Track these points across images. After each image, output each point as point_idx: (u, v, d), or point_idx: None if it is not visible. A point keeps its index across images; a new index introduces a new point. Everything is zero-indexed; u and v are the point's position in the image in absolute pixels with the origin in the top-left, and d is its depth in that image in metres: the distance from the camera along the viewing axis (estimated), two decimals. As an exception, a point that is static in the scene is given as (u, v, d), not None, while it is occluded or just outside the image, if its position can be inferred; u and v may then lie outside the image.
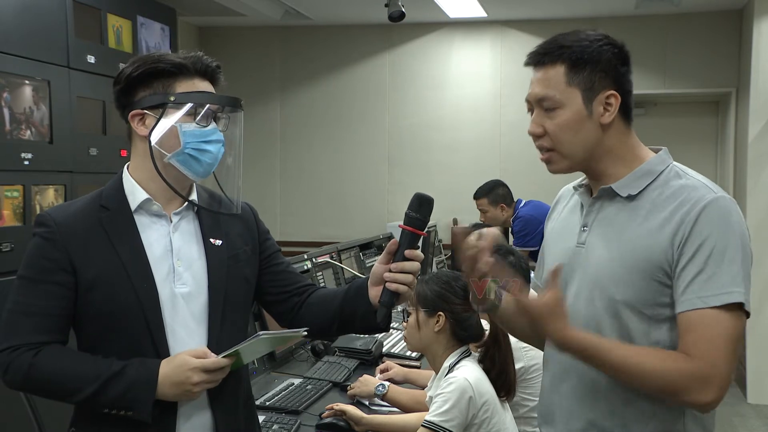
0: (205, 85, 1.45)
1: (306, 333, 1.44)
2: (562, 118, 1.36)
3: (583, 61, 1.35)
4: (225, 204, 1.53)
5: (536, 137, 1.40)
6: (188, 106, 1.41)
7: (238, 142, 1.50)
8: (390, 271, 1.42)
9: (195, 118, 1.42)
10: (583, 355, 1.31)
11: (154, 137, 1.41)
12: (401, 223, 1.45)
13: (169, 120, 1.41)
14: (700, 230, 1.28)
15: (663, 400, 1.33)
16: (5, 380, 1.41)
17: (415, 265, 1.42)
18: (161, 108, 1.41)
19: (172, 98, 1.41)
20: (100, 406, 1.37)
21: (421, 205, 1.43)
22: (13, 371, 1.38)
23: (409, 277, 1.42)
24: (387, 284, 1.43)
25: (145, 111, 1.42)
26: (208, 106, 1.43)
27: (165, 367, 1.36)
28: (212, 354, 1.38)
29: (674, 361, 1.27)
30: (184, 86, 1.42)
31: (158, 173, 1.41)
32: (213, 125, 1.45)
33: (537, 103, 1.39)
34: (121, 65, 1.47)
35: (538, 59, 1.39)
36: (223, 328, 1.46)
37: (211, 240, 1.49)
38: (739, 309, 1.27)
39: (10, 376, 1.39)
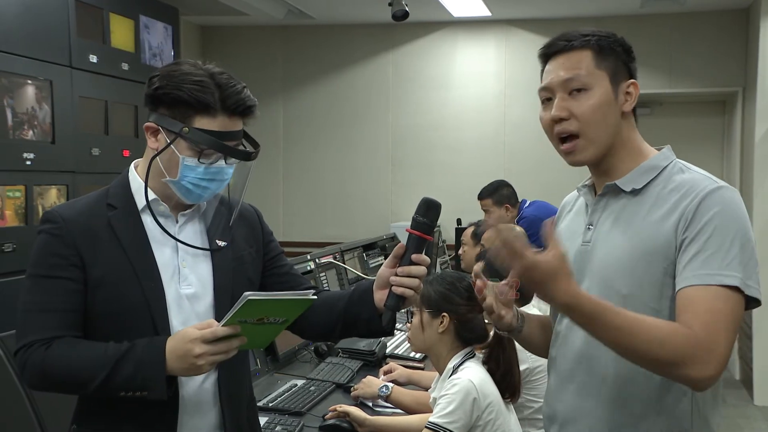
0: (231, 123, 1.40)
1: (315, 297, 1.37)
2: (592, 101, 1.36)
3: (608, 48, 1.38)
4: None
5: (559, 121, 1.37)
6: (195, 143, 1.38)
7: (245, 182, 1.49)
8: (396, 275, 1.42)
9: (199, 157, 1.39)
10: (591, 315, 1.23)
11: (161, 160, 1.40)
12: (408, 226, 1.44)
13: (177, 148, 1.39)
14: (701, 215, 1.29)
15: (672, 394, 1.32)
16: (25, 380, 1.41)
17: (422, 270, 1.42)
18: (173, 134, 1.39)
19: (185, 130, 1.38)
20: (115, 389, 1.35)
21: (429, 210, 1.43)
22: (30, 369, 1.38)
23: (415, 282, 1.42)
24: (393, 288, 1.42)
25: (160, 128, 1.41)
26: (215, 151, 1.40)
27: (170, 342, 1.35)
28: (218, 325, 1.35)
29: (677, 330, 1.24)
30: (203, 121, 1.38)
31: (145, 188, 1.41)
32: (220, 163, 1.41)
33: (562, 87, 1.37)
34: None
35: (563, 46, 1.38)
36: None
37: (217, 241, 1.48)
38: (737, 293, 1.26)
39: (28, 374, 1.39)
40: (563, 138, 1.39)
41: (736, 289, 1.26)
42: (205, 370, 1.35)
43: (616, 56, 1.38)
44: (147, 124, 1.43)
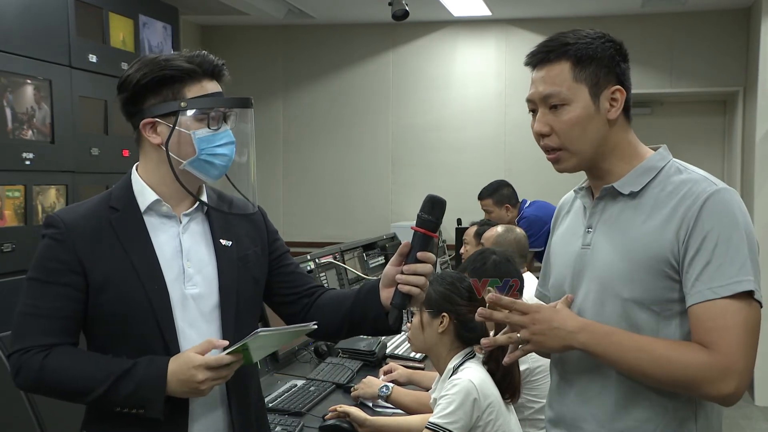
0: (212, 86, 1.44)
1: (316, 326, 1.42)
2: (571, 115, 1.35)
3: (588, 57, 1.35)
4: (237, 204, 1.54)
5: (542, 137, 1.38)
6: (199, 110, 1.41)
7: (250, 140, 1.50)
8: (402, 272, 1.42)
9: (207, 123, 1.41)
10: (606, 334, 1.29)
11: (172, 147, 1.40)
12: (410, 226, 1.45)
13: (183, 127, 1.40)
14: (704, 222, 1.28)
15: (675, 398, 1.31)
16: (17, 383, 1.42)
17: (428, 267, 1.43)
18: (173, 116, 1.40)
19: (183, 104, 1.40)
20: (112, 405, 1.37)
21: (434, 207, 1.43)
22: (24, 373, 1.38)
23: (421, 279, 1.42)
24: (399, 286, 1.43)
25: (157, 119, 1.41)
26: (219, 109, 1.43)
27: (172, 364, 1.36)
28: (221, 342, 1.37)
29: (693, 352, 1.26)
30: (193, 90, 1.42)
31: (177, 180, 1.41)
32: (224, 126, 1.44)
33: (542, 102, 1.37)
34: (124, 67, 1.46)
35: (542, 57, 1.37)
36: (236, 328, 1.45)
37: (221, 241, 1.49)
38: (749, 297, 1.26)
39: (22, 378, 1.40)
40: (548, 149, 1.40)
41: (748, 294, 1.25)
42: (206, 393, 1.37)
43: (597, 64, 1.35)
44: (144, 121, 1.43)
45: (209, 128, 1.41)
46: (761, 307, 1.28)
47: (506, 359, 1.38)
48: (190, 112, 1.40)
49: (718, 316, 1.24)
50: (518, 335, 1.32)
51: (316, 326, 1.41)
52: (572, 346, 1.31)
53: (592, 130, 1.35)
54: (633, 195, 1.36)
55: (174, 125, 1.40)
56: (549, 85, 1.35)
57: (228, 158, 1.45)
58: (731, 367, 1.23)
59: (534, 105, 1.40)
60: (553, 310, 1.32)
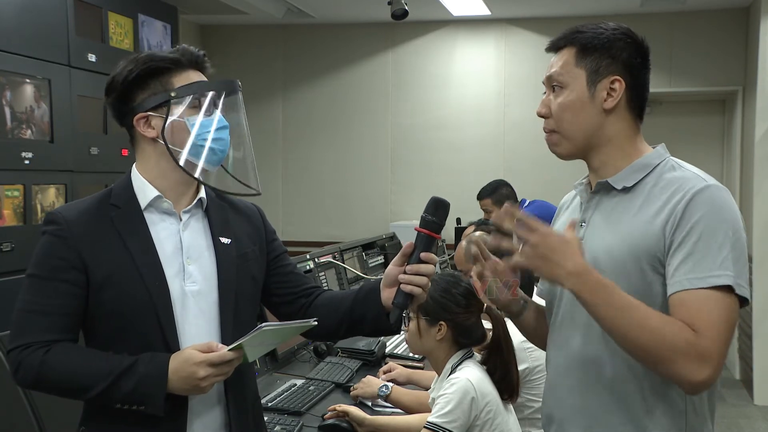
0: (197, 76, 1.46)
1: (316, 323, 1.43)
2: (564, 98, 1.39)
3: (593, 45, 1.39)
4: (239, 195, 1.55)
5: (542, 118, 1.43)
6: (191, 98, 1.42)
7: (244, 125, 1.51)
8: (405, 273, 1.43)
9: (199, 110, 1.42)
10: (597, 286, 1.26)
11: (168, 137, 1.41)
12: (409, 226, 1.45)
13: (176, 116, 1.41)
14: (690, 216, 1.29)
15: (669, 395, 1.31)
16: (17, 379, 1.42)
17: (430, 268, 1.43)
18: (165, 106, 1.41)
19: (173, 94, 1.41)
20: (113, 401, 1.37)
21: (438, 209, 1.44)
22: (24, 370, 1.38)
23: (423, 280, 1.42)
24: (401, 286, 1.43)
25: (149, 113, 1.42)
26: (209, 94, 1.43)
27: (173, 361, 1.36)
28: (222, 346, 1.37)
29: (680, 328, 1.25)
30: (180, 80, 1.43)
31: (178, 166, 1.41)
32: (216, 113, 1.45)
33: (547, 83, 1.44)
34: (117, 67, 1.47)
35: (554, 43, 1.44)
36: (234, 326, 1.46)
37: (221, 239, 1.49)
38: (728, 292, 1.26)
39: (22, 374, 1.39)
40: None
41: (728, 289, 1.25)
42: (207, 390, 1.38)
43: (601, 53, 1.38)
44: (137, 117, 1.43)
45: (202, 115, 1.42)
46: (746, 304, 1.28)
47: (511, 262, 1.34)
48: (181, 101, 1.41)
49: (702, 302, 1.25)
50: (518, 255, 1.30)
51: (316, 323, 1.42)
52: (561, 285, 1.30)
53: (584, 117, 1.39)
54: (626, 190, 1.38)
55: (167, 115, 1.41)
56: (554, 68, 1.42)
57: (224, 142, 1.45)
58: (711, 354, 1.23)
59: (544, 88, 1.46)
60: (562, 242, 1.29)
